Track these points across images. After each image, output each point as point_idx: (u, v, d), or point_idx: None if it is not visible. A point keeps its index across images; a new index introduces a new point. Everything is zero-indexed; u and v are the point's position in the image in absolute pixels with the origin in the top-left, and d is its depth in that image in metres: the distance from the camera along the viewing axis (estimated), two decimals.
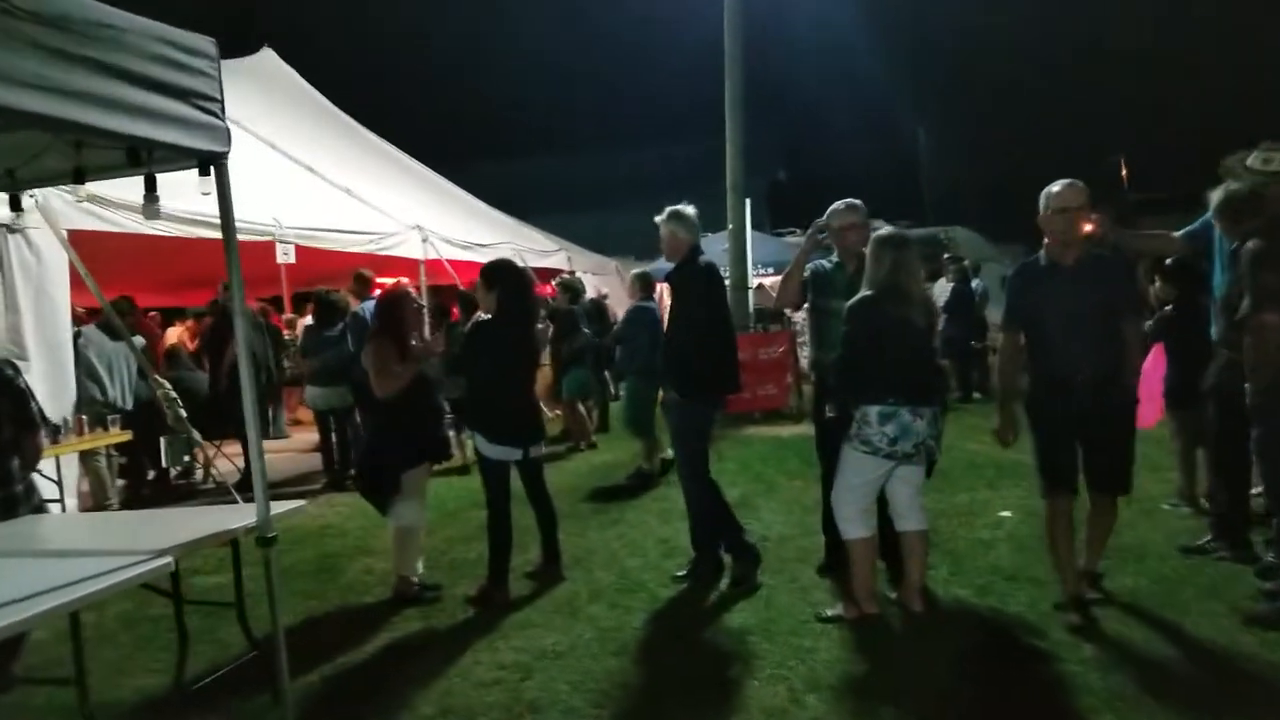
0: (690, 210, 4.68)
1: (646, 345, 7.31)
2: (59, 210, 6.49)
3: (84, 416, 6.12)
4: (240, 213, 8.19)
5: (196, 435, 6.39)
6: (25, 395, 3.69)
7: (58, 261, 6.40)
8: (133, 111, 2.89)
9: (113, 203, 6.93)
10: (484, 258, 14.10)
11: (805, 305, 4.81)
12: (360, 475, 4.63)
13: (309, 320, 11.66)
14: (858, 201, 4.68)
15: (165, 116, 2.98)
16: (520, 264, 14.57)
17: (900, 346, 4.04)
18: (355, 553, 5.70)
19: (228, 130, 3.18)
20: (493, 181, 20.25)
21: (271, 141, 11.60)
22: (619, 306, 18.56)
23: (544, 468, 4.93)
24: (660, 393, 6.82)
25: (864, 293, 4.12)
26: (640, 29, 29.35)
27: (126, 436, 6.24)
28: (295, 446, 10.34)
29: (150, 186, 3.44)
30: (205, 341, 8.12)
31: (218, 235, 7.93)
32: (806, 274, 4.67)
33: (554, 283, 11.60)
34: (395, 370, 4.48)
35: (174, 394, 6.25)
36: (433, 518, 6.32)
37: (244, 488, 8.23)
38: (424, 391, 4.66)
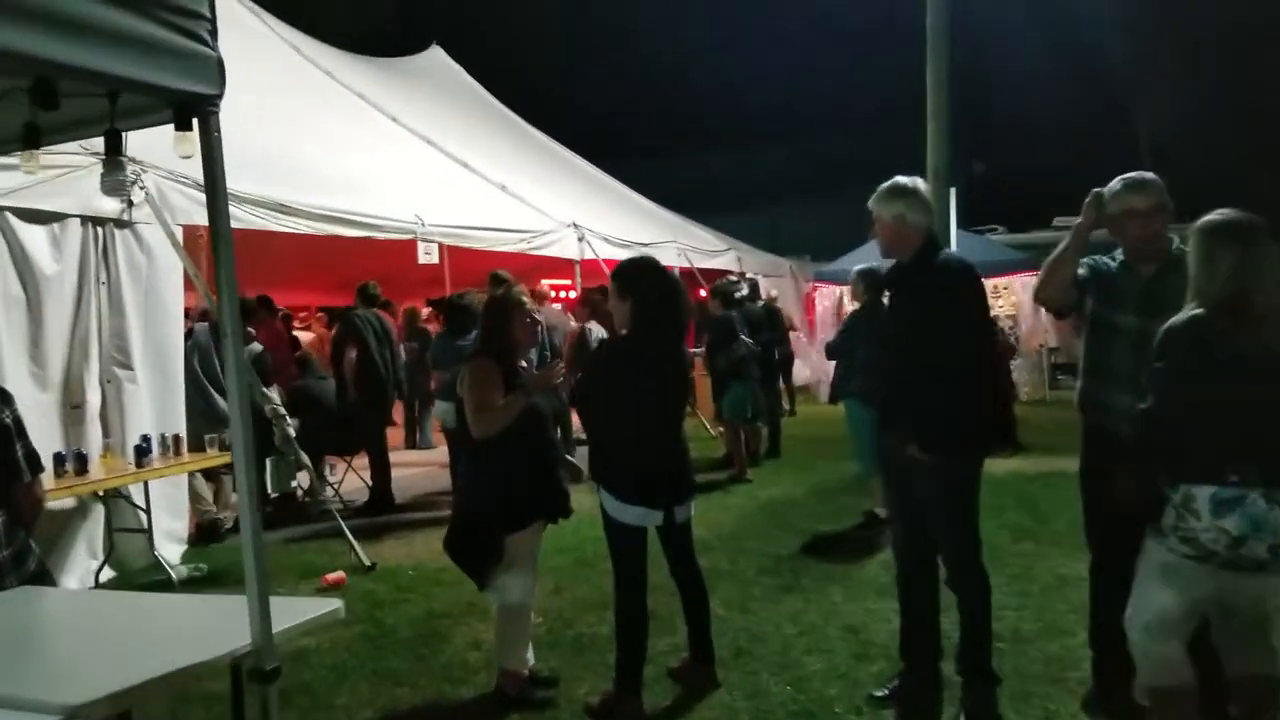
0: (921, 185, 3.30)
1: (874, 360, 5.93)
2: (175, 204, 5.88)
3: (179, 435, 5.43)
4: (382, 209, 7.49)
5: (304, 458, 5.61)
6: (10, 434, 2.84)
7: (171, 260, 5.77)
8: (98, 36, 1.91)
9: (236, 196, 6.31)
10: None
11: (1071, 311, 3.36)
12: (453, 535, 3.58)
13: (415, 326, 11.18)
14: (1149, 177, 3.18)
15: (131, 41, 1.97)
16: (683, 264, 13.53)
17: (1248, 394, 2.55)
18: (466, 614, 4.69)
19: (219, 64, 2.14)
20: (657, 180, 19.27)
21: (427, 136, 11.05)
22: (792, 310, 17.20)
23: (692, 531, 3.69)
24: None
25: (1191, 310, 2.66)
26: (812, 17, 27.59)
27: (221, 459, 5.54)
28: (440, 458, 9.61)
29: (114, 148, 2.46)
30: (332, 351, 7.44)
31: (354, 233, 7.27)
32: (1083, 269, 3.22)
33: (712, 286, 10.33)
34: (497, 405, 3.39)
35: (282, 409, 5.48)
36: (559, 565, 5.24)
37: (372, 509, 7.55)
38: (536, 428, 3.55)
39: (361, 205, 7.53)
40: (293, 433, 5.41)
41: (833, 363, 7.04)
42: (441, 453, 10.27)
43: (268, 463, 5.65)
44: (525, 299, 3.68)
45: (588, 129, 20.29)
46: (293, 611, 2.45)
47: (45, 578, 3.01)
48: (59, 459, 4.67)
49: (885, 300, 3.94)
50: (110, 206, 5.47)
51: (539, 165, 13.64)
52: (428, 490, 8.08)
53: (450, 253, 9.54)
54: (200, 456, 5.49)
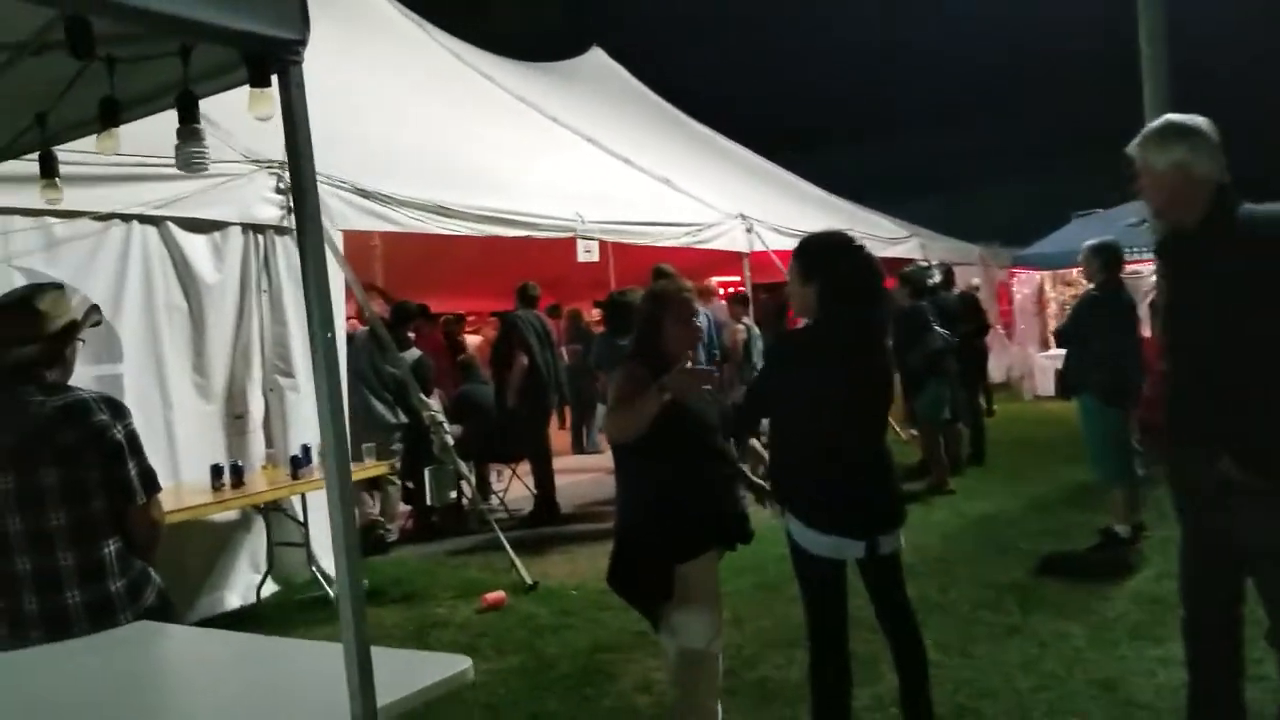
0: (1205, 125, 2.47)
1: (1115, 350, 5.02)
2: (334, 209, 5.72)
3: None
4: (541, 208, 7.18)
5: (464, 467, 5.29)
6: (122, 451, 2.54)
7: (332, 267, 5.60)
8: None
9: (394, 199, 6.13)
10: None
11: None
12: (615, 566, 3.05)
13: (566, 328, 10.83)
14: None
15: None
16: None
17: None
18: (635, 646, 4.16)
19: (303, 5, 1.69)
20: (827, 170, 18.29)
21: (588, 135, 10.76)
22: (986, 300, 15.83)
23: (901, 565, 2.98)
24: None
25: None
26: None
27: (378, 469, 5.30)
28: (608, 464, 9.21)
29: (188, 114, 2.06)
30: (492, 355, 7.16)
31: (513, 233, 6.96)
32: None
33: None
34: (635, 405, 2.82)
35: (440, 417, 5.18)
36: (737, 590, 4.63)
37: (536, 519, 7.21)
38: (696, 438, 2.95)
39: (521, 205, 7.23)
40: (451, 441, 5.10)
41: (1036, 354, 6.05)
42: (610, 458, 9.88)
43: (426, 473, 5.39)
44: (684, 292, 3.10)
45: (753, 123, 19.59)
46: (409, 673, 1.97)
47: (167, 611, 2.70)
48: (216, 471, 4.53)
49: (1160, 276, 3.02)
50: (270, 214, 5.36)
51: (704, 158, 13.11)
52: (594, 498, 7.67)
53: (614, 251, 9.18)
54: (358, 467, 5.26)
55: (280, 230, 5.45)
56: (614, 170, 10.15)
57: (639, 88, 15.16)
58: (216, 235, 5.14)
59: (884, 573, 2.87)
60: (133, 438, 2.58)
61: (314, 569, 5.03)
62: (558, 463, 7.29)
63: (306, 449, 5.20)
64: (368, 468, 5.23)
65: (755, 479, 3.12)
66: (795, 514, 2.76)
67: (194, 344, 5.03)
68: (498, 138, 8.85)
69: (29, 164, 4.35)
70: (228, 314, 5.20)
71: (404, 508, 6.63)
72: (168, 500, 4.39)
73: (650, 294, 3.10)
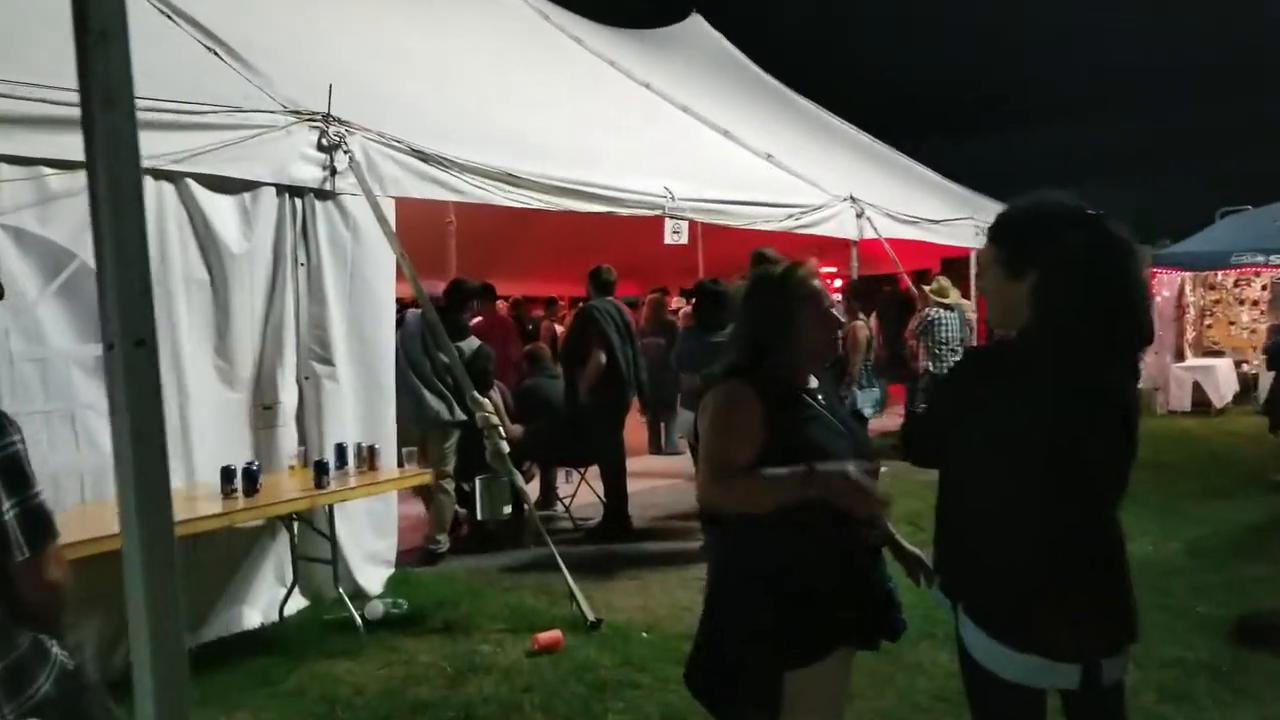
0: None
1: None
2: (385, 173, 4.99)
3: (375, 447, 4.47)
4: (624, 181, 6.32)
5: (519, 479, 4.47)
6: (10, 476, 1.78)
7: (380, 241, 4.86)
8: None
9: (458, 164, 5.36)
10: (938, 236, 11.10)
11: None
12: (699, 662, 2.17)
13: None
14: None
15: None
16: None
17: None
18: None
19: None
20: (944, 157, 16.89)
21: (683, 104, 9.86)
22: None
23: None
24: None
25: None
26: None
27: (419, 479, 4.53)
28: (688, 468, 8.31)
29: None
30: (564, 348, 6.33)
31: (589, 208, 6.11)
32: None
33: None
34: (742, 465, 1.93)
35: (495, 419, 4.37)
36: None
37: (604, 533, 6.39)
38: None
39: (602, 177, 6.40)
40: (507, 448, 4.30)
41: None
42: (691, 460, 9.04)
43: (477, 484, 4.60)
44: (816, 281, 2.18)
45: (867, 105, 18.27)
46: None
47: (78, 700, 1.94)
48: (226, 474, 3.82)
49: None
50: (310, 174, 4.64)
51: (810, 136, 12.04)
52: (672, 510, 6.80)
53: (704, 235, 8.28)
54: (395, 475, 4.50)
55: (322, 194, 4.73)
56: (709, 144, 9.23)
57: (741, 59, 14.14)
58: (246, 197, 4.44)
59: (1103, 710, 1.91)
60: (16, 464, 1.82)
61: (340, 591, 4.29)
62: (631, 463, 6.43)
63: (341, 449, 4.48)
64: (406, 476, 4.46)
65: (909, 547, 2.20)
66: (974, 616, 1.84)
67: (216, 323, 4.34)
68: (581, 105, 8.03)
69: (20, 103, 3.78)
70: (257, 289, 4.50)
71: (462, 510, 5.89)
72: (177, 506, 3.75)
73: (768, 280, 2.18)
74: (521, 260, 10.30)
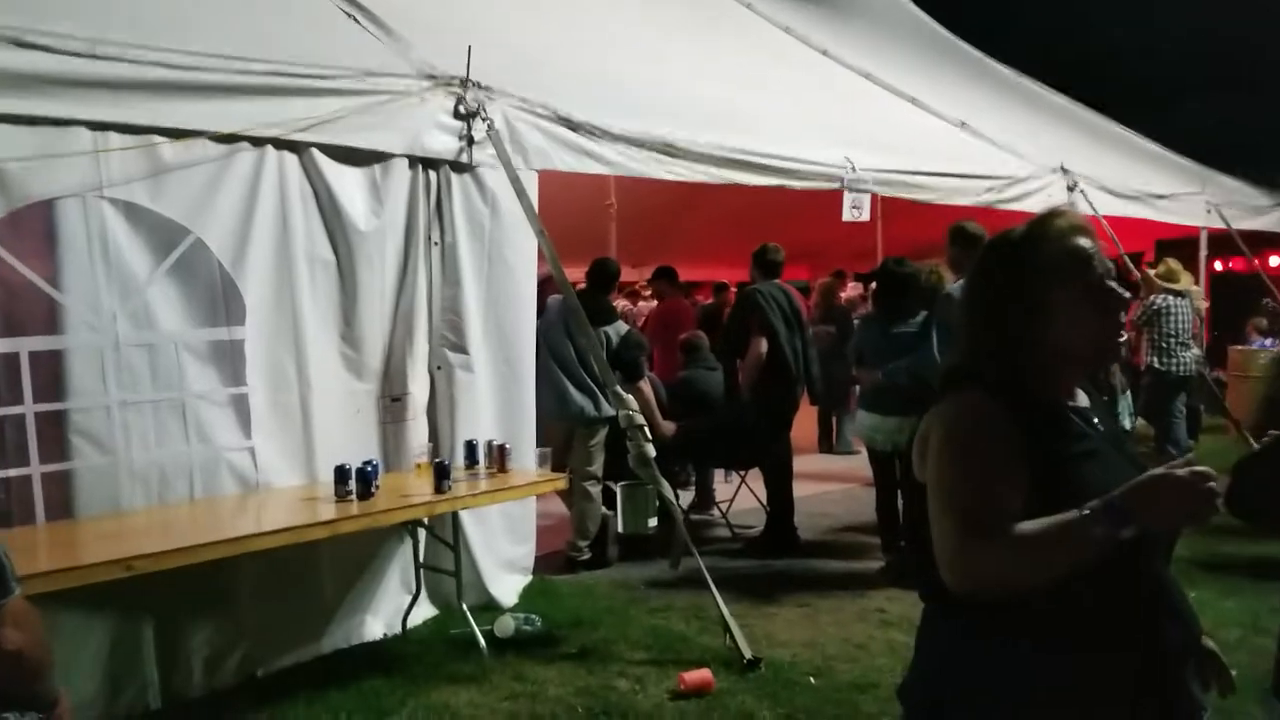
0: None
1: None
2: (529, 143, 4.52)
3: (504, 446, 3.98)
4: (797, 151, 5.60)
5: (667, 488, 3.86)
6: None
7: (520, 221, 4.38)
8: None
9: (610, 134, 4.83)
10: (1164, 214, 9.60)
11: None
12: None
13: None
14: None
15: None
16: (1216, 223, 9.82)
17: None
18: None
19: None
20: (1163, 130, 14.87)
21: (867, 72, 8.94)
22: None
23: None
24: None
25: None
26: None
27: (553, 483, 3.99)
28: (864, 470, 7.44)
29: None
30: (722, 338, 5.67)
31: (757, 180, 5.38)
32: None
33: None
34: (1007, 522, 1.22)
35: (640, 418, 3.80)
36: None
37: (767, 546, 5.69)
38: (1139, 558, 1.29)
39: (772, 146, 5.70)
40: (652, 451, 3.72)
41: None
42: (867, 462, 8.07)
43: (619, 493, 4.03)
44: (1085, 239, 1.42)
45: (1075, 72, 16.37)
46: None
47: None
48: (340, 475, 3.43)
49: None
50: (445, 145, 4.22)
51: (1010, 104, 10.76)
52: (844, 521, 6.02)
53: (884, 214, 7.40)
54: (525, 480, 3.99)
55: (458, 166, 4.30)
56: (894, 112, 8.26)
57: (930, 23, 12.92)
58: (376, 169, 4.06)
59: None
60: None
61: (464, 606, 3.85)
62: (798, 463, 5.69)
63: (471, 447, 4.04)
64: (539, 480, 3.94)
65: (1208, 644, 1.43)
66: None
67: (342, 307, 4.00)
68: (748, 71, 7.30)
69: (130, 67, 3.52)
70: (387, 270, 4.12)
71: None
72: (288, 509, 3.50)
73: (1009, 243, 1.44)
74: (685, 245, 9.70)
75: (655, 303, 8.63)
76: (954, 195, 6.99)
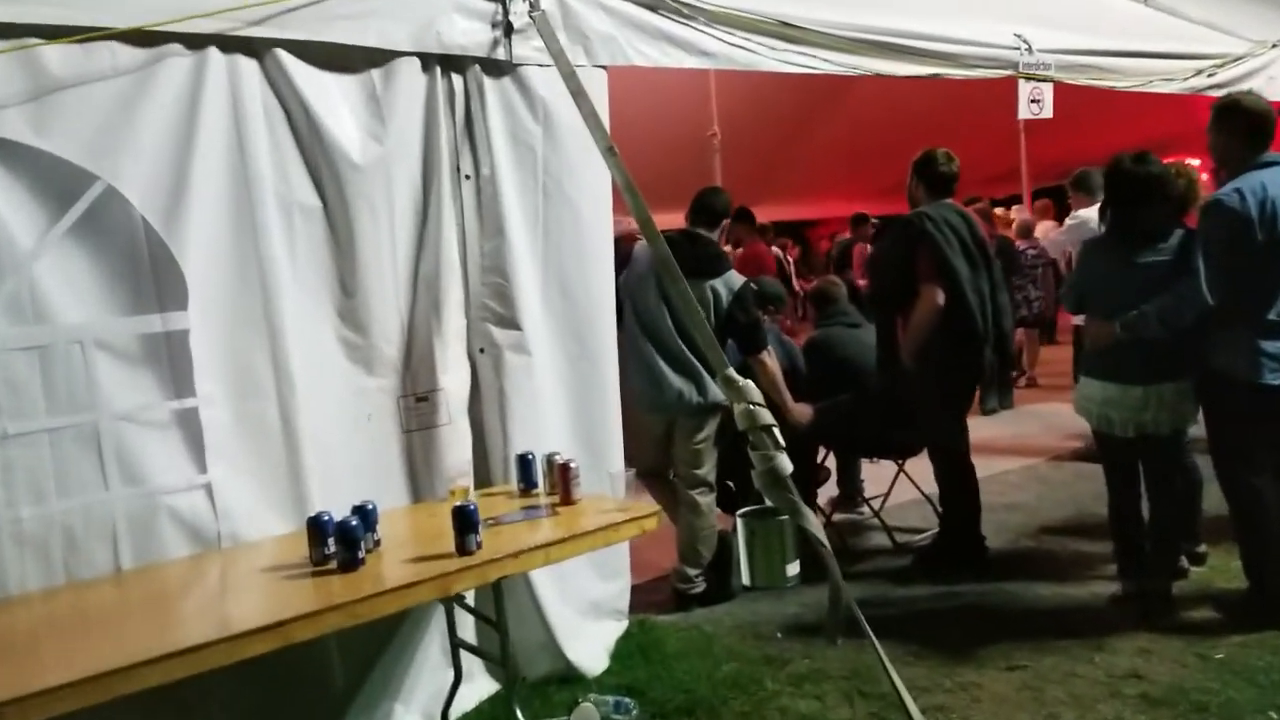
0: None
1: None
2: (593, 30, 3.27)
3: (569, 464, 2.74)
4: (956, 29, 4.18)
5: (812, 521, 2.55)
6: None
7: (586, 146, 3.07)
8: None
9: (697, 9, 3.54)
10: None
11: None
12: None
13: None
14: None
15: None
16: None
17: None
18: None
19: None
20: None
21: None
22: None
23: None
24: None
25: None
26: None
27: (642, 524, 2.67)
28: (1037, 441, 5.96)
29: None
30: (872, 281, 4.26)
31: (905, 69, 3.96)
32: None
33: None
34: None
35: (766, 415, 2.48)
36: None
37: (943, 561, 4.31)
38: None
39: (919, 25, 4.26)
40: (787, 465, 2.44)
41: None
42: (1040, 421, 6.59)
43: (737, 527, 2.71)
44: None
45: None
46: None
47: None
48: (315, 531, 2.25)
49: None
50: (473, 34, 2.98)
51: None
52: (1041, 518, 4.61)
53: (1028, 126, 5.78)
54: (604, 517, 2.69)
55: (493, 66, 3.07)
56: None
57: None
58: (374, 75, 2.86)
59: None
60: None
61: (513, 701, 2.65)
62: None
63: (526, 464, 2.84)
64: (617, 523, 2.59)
65: None
66: None
67: (337, 272, 2.83)
68: None
69: None
70: (399, 218, 2.93)
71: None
72: (264, 587, 2.21)
73: None
74: (804, 176, 8.27)
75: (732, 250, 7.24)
76: (1159, 79, 5.37)
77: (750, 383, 2.49)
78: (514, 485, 2.89)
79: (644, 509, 2.74)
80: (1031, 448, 5.83)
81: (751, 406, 2.46)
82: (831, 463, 4.57)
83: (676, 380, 3.52)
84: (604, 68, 3.32)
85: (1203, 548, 3.66)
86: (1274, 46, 6.22)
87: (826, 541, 2.41)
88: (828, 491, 4.65)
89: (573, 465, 2.69)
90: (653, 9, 3.44)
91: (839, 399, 4.01)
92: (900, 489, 4.51)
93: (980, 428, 6.43)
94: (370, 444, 2.87)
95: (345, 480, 2.71)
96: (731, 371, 2.51)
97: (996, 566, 3.95)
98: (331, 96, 2.78)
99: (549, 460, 2.78)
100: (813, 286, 4.53)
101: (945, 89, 5.44)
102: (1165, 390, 3.13)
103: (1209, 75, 5.65)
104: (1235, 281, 3.00)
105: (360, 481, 2.72)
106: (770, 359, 3.65)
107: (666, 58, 3.48)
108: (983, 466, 4.34)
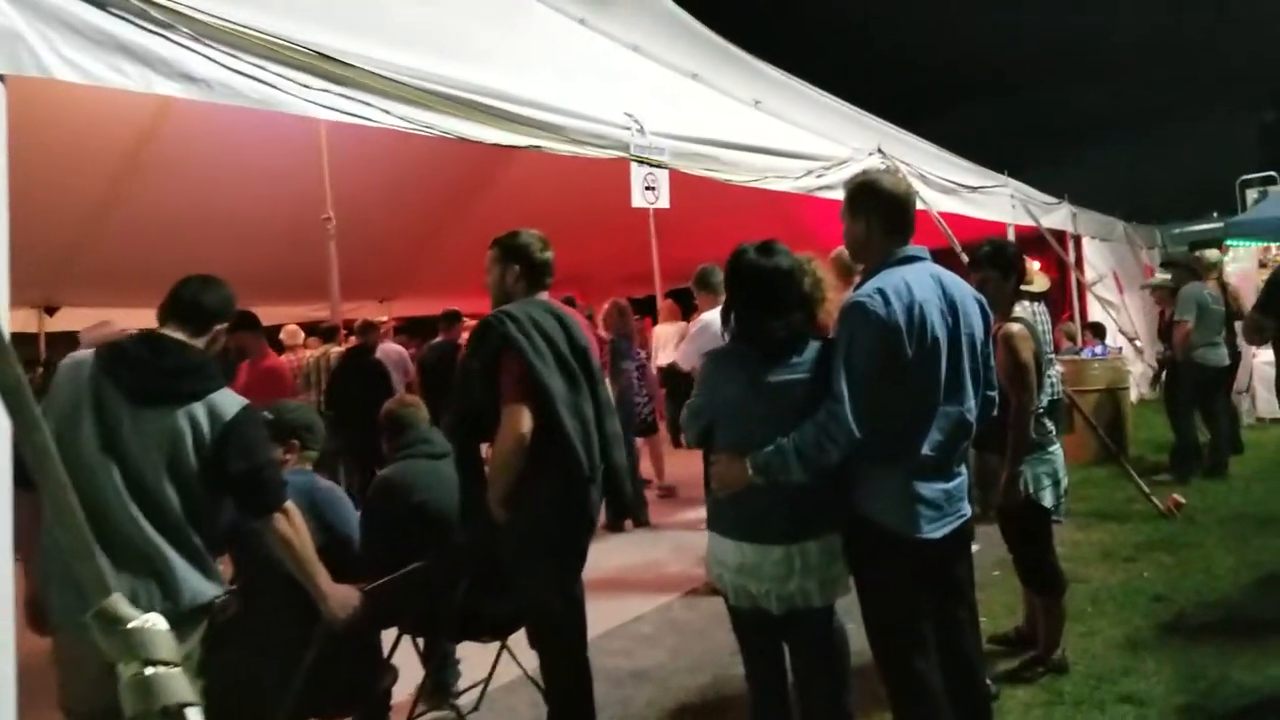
0: None
1: None
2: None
3: None
4: (568, 101, 3.45)
5: None
6: None
7: None
8: None
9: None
10: (979, 209, 8.27)
11: None
12: None
13: None
14: None
15: None
16: (1025, 220, 8.75)
17: None
18: None
19: None
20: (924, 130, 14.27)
21: (635, 44, 6.96)
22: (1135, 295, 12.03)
23: None
24: None
25: None
26: None
27: None
28: (662, 568, 5.24)
29: None
30: (450, 407, 3.25)
31: (503, 137, 3.17)
32: None
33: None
34: None
35: (171, 667, 1.31)
36: None
37: None
38: None
39: (516, 89, 3.50)
40: (186, 694, 1.26)
41: None
42: (673, 542, 5.65)
43: None
44: None
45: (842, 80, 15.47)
46: None
47: None
48: None
49: None
50: None
51: (792, 102, 9.26)
52: (672, 694, 3.82)
53: (659, 223, 5.32)
54: None
55: None
56: (675, 84, 6.31)
57: (694, 23, 11.31)
58: None
59: None
60: None
61: None
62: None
63: None
64: None
65: None
66: None
67: None
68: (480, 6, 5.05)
69: None
70: None
71: None
72: None
73: None
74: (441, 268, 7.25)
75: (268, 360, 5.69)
76: (769, 177, 5.12)
77: (154, 628, 1.30)
78: None
79: None
80: (666, 579, 5.13)
81: (150, 670, 1.26)
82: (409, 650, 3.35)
83: (126, 578, 2.20)
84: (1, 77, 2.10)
85: None
86: (871, 155, 6.43)
87: None
88: (404, 689, 3.35)
89: None
90: (100, 6, 2.29)
91: (412, 568, 2.89)
92: (505, 667, 3.46)
93: (611, 553, 5.64)
94: None
95: None
96: (117, 602, 1.31)
97: None
98: None
99: None
100: (383, 410, 3.40)
101: (587, 180, 4.79)
102: (810, 550, 2.37)
103: (818, 175, 5.60)
104: (884, 406, 2.31)
105: None
106: (291, 520, 2.44)
107: (121, 76, 2.35)
108: (611, 611, 3.46)
